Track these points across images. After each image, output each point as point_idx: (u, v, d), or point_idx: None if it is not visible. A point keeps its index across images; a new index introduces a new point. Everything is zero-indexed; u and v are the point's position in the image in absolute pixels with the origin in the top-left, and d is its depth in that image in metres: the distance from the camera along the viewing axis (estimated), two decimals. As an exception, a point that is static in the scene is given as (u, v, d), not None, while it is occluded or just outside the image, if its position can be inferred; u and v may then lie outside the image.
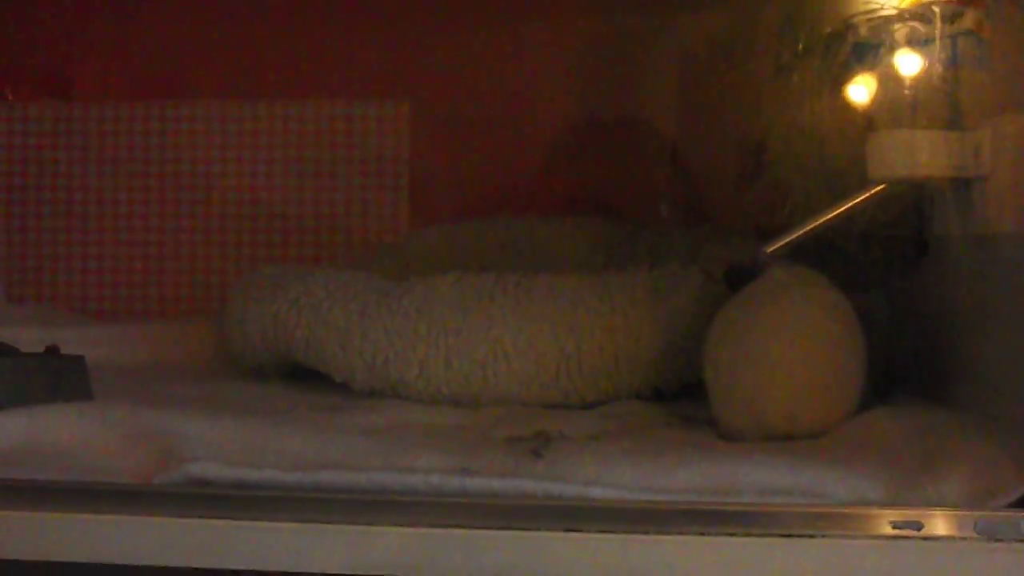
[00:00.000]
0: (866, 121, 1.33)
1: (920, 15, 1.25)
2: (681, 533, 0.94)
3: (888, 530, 0.93)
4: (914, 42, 1.26)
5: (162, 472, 1.02)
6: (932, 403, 1.30)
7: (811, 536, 0.93)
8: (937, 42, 1.23)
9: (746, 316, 1.23)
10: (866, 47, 1.34)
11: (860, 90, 1.38)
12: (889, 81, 1.27)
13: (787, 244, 1.29)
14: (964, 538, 0.92)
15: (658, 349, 1.43)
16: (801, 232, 1.28)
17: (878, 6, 1.31)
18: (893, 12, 1.28)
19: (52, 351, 1.32)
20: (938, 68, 1.24)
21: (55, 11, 2.24)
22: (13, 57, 2.29)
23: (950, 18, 1.23)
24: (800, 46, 1.48)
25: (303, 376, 1.59)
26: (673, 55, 2.17)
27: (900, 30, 1.27)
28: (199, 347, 1.85)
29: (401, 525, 0.96)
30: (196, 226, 2.22)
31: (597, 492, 0.98)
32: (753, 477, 1.00)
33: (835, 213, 1.27)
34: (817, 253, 1.42)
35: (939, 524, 0.93)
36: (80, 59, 2.29)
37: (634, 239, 1.92)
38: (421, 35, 2.18)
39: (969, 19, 1.20)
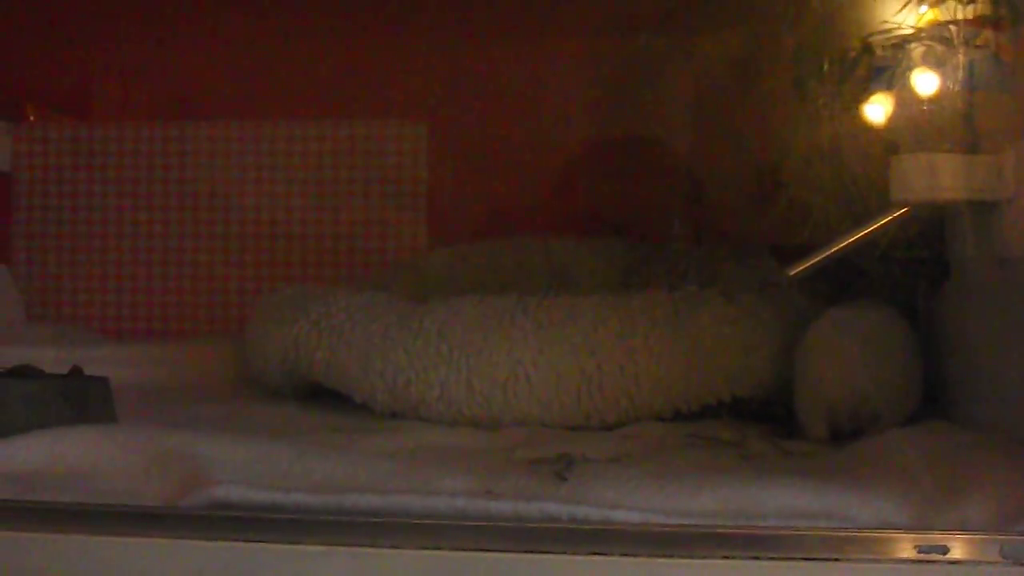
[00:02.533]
0: (887, 144, 1.33)
1: (938, 35, 1.25)
2: (705, 557, 0.94)
3: (913, 554, 0.93)
4: (932, 63, 1.26)
5: (187, 495, 1.02)
6: (955, 425, 1.30)
7: (836, 560, 0.93)
8: (957, 63, 1.23)
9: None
10: (884, 68, 1.34)
11: (878, 111, 1.38)
12: (908, 103, 1.27)
13: (810, 267, 1.29)
14: (990, 562, 0.92)
15: (678, 370, 1.44)
16: (824, 255, 1.28)
17: (896, 25, 1.31)
18: (911, 31, 1.28)
19: (76, 373, 1.32)
20: (957, 89, 1.23)
21: (75, 33, 2.25)
22: (34, 78, 2.30)
23: (968, 39, 1.23)
24: (818, 67, 1.48)
25: (322, 397, 1.59)
26: (690, 76, 2.17)
27: (917, 50, 1.26)
28: (220, 367, 1.85)
29: (426, 548, 0.96)
30: (216, 246, 2.23)
31: (621, 515, 0.98)
32: (777, 500, 0.99)
33: (858, 236, 1.27)
34: (838, 274, 1.42)
35: (964, 548, 0.93)
36: (100, 80, 2.30)
37: (651, 259, 1.93)
38: (440, 56, 2.18)
39: (988, 40, 1.20)
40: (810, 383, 1.36)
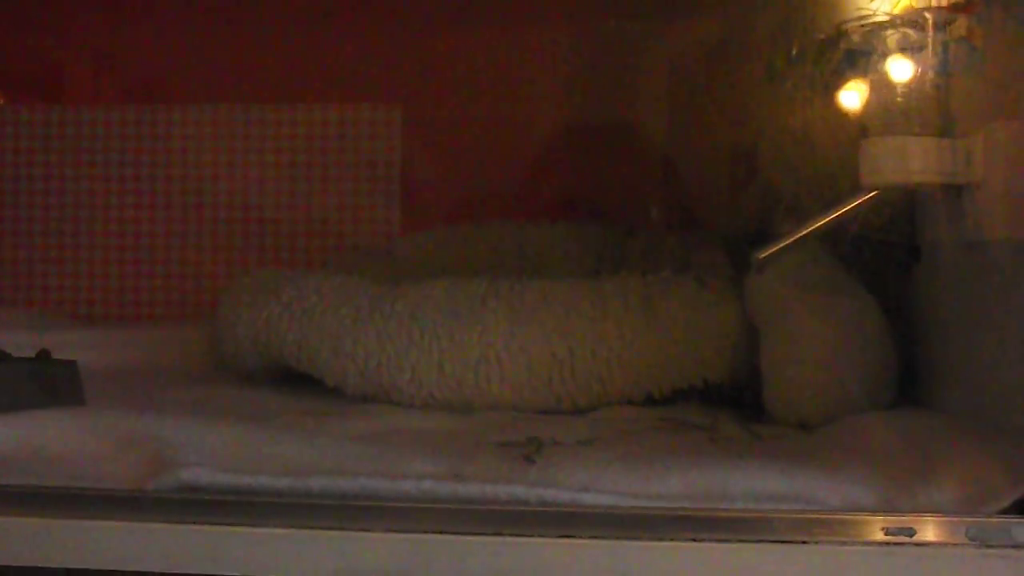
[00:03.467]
0: (858, 127, 1.33)
1: (912, 21, 1.25)
2: (674, 539, 0.94)
3: (880, 536, 0.93)
4: (906, 48, 1.26)
5: (155, 478, 1.02)
6: (924, 408, 1.31)
7: (803, 542, 0.93)
8: (929, 49, 1.24)
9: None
10: (858, 53, 1.34)
11: (852, 96, 1.38)
12: (881, 87, 1.27)
13: (779, 250, 1.29)
14: (956, 544, 0.92)
15: (650, 354, 1.44)
16: (793, 238, 1.28)
17: (870, 12, 1.31)
18: (885, 18, 1.28)
19: (44, 356, 1.31)
20: (930, 75, 1.24)
21: (46, 15, 2.24)
22: (4, 61, 2.28)
23: (942, 25, 1.23)
24: (792, 52, 1.48)
25: (295, 380, 1.59)
26: (665, 60, 2.17)
27: (892, 36, 1.27)
28: (191, 351, 1.84)
29: (393, 531, 0.96)
30: (188, 230, 2.22)
31: (590, 498, 0.98)
32: (745, 483, 1.00)
33: (827, 219, 1.27)
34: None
35: (931, 530, 0.93)
36: (71, 63, 2.29)
37: (626, 244, 1.92)
38: (413, 39, 2.18)
39: (961, 26, 1.21)
40: (782, 370, 1.36)
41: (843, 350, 1.32)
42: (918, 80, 1.24)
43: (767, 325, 1.37)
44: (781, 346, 1.34)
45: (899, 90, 1.24)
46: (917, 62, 1.24)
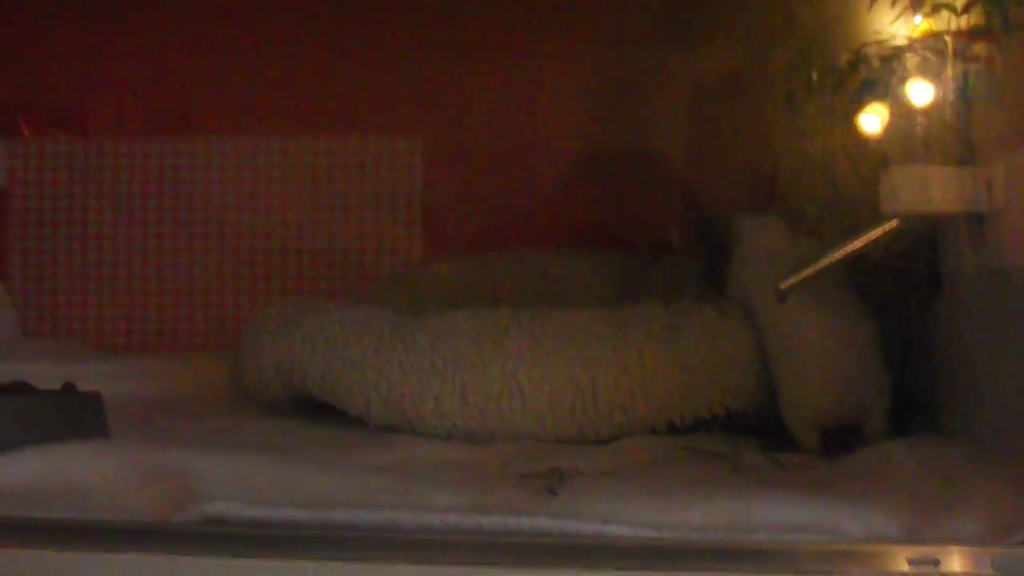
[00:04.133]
0: (878, 155, 1.33)
1: (931, 46, 1.25)
2: (697, 571, 0.94)
3: (904, 567, 0.93)
4: (927, 74, 1.26)
5: (179, 511, 1.02)
6: (948, 436, 1.30)
7: (828, 573, 0.93)
8: (948, 74, 1.23)
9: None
10: (877, 78, 1.34)
11: (872, 121, 1.38)
12: (901, 114, 1.27)
13: (801, 279, 1.29)
14: (981, 575, 0.92)
15: (672, 384, 1.44)
16: (815, 267, 1.28)
17: (889, 36, 1.31)
18: (904, 42, 1.28)
19: (69, 388, 1.32)
20: (950, 102, 1.24)
21: (69, 48, 2.25)
22: (28, 93, 2.30)
23: (962, 53, 1.23)
24: (812, 77, 1.48)
25: (317, 410, 1.59)
26: (685, 88, 2.18)
27: (911, 60, 1.27)
28: (214, 381, 1.85)
29: (417, 563, 0.96)
30: (211, 260, 2.23)
31: (612, 530, 0.98)
32: (768, 513, 1.00)
33: (848, 249, 1.27)
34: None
35: (956, 561, 0.93)
36: (94, 95, 2.30)
37: (647, 272, 1.93)
38: (432, 70, 2.19)
39: (981, 54, 1.21)
40: (798, 389, 1.37)
41: (841, 361, 1.36)
42: (938, 108, 1.24)
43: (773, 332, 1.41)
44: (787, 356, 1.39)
45: (919, 117, 1.24)
46: (937, 87, 1.24)
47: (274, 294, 2.17)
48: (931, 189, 1.19)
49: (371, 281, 2.16)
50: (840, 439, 1.36)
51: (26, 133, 2.28)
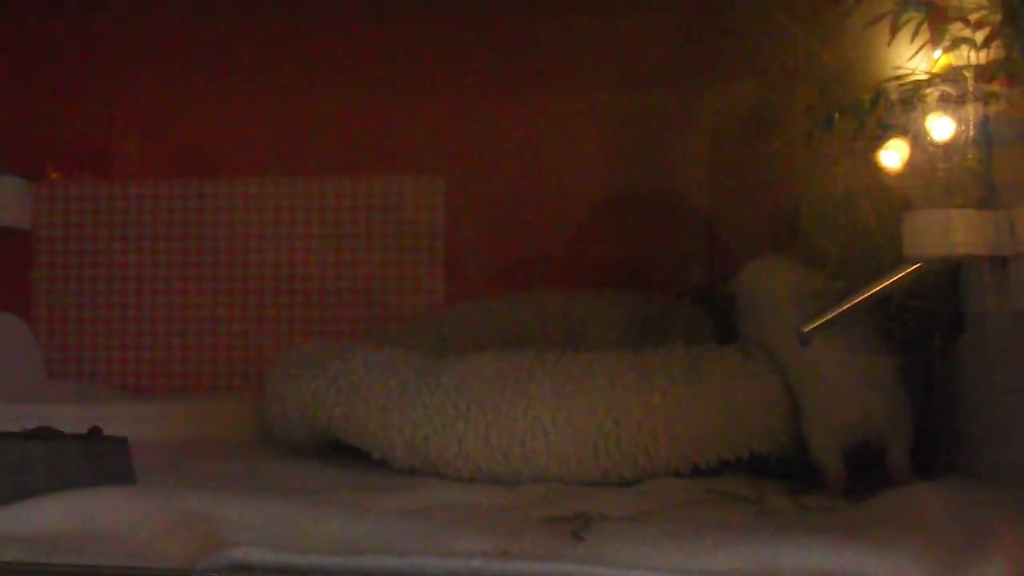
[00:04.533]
0: (899, 196, 1.34)
1: (953, 81, 1.26)
2: (723, 616, 0.94)
3: (931, 612, 0.93)
4: (945, 111, 1.26)
5: (205, 557, 1.02)
6: (973, 479, 1.30)
7: (854, 619, 0.93)
8: (970, 112, 1.24)
9: None
10: (897, 115, 1.35)
11: (893, 159, 1.38)
12: (922, 153, 1.27)
13: (825, 323, 1.29)
14: (1007, 620, 0.92)
15: (696, 426, 1.44)
16: (838, 310, 1.29)
17: (909, 71, 1.32)
18: (924, 77, 1.29)
19: (94, 433, 1.32)
20: (971, 143, 1.24)
21: (94, 92, 2.27)
22: (53, 136, 2.32)
23: (982, 97, 1.24)
24: (834, 115, 1.49)
25: (341, 452, 1.59)
26: (705, 126, 2.18)
27: (932, 95, 1.27)
28: (238, 423, 1.86)
29: (443, 609, 0.96)
30: (234, 302, 2.24)
31: (638, 575, 0.97)
32: (795, 558, 0.99)
33: (871, 291, 1.27)
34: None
35: (982, 606, 0.92)
36: (119, 138, 2.32)
37: (670, 313, 1.93)
38: (455, 111, 2.20)
39: (1002, 99, 1.21)
40: (821, 418, 1.39)
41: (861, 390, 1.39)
42: (959, 149, 1.24)
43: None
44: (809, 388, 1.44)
45: (940, 158, 1.24)
46: (957, 124, 1.24)
47: (297, 335, 2.18)
48: (954, 232, 1.19)
49: (394, 322, 2.16)
50: (865, 472, 1.37)
51: (52, 176, 2.30)
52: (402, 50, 2.21)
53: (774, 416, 1.44)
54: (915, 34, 1.32)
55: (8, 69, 2.25)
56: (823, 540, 1.02)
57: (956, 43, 1.27)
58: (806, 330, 1.29)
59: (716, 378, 1.45)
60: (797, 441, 1.42)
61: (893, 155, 1.37)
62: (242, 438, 1.81)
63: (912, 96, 1.30)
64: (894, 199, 1.36)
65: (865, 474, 1.38)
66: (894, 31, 1.34)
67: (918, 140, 1.29)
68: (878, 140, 1.39)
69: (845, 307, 1.28)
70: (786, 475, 1.42)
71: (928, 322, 1.39)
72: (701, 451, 1.44)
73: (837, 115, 1.48)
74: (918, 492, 1.22)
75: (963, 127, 1.24)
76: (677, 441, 1.43)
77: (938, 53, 1.30)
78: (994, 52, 1.24)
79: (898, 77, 1.34)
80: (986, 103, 1.21)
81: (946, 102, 1.25)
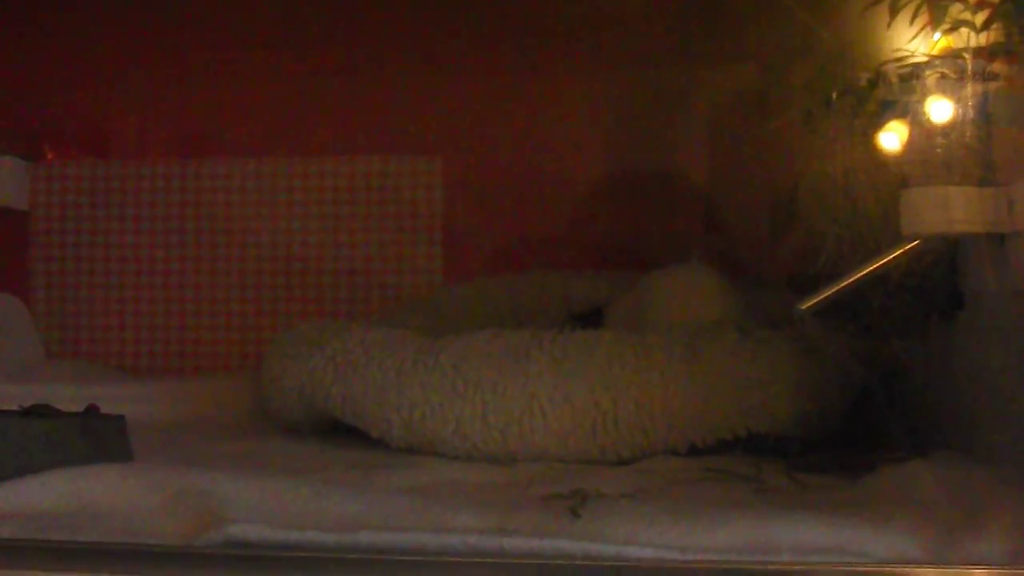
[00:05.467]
0: (898, 175, 1.33)
1: (952, 63, 1.26)
2: (720, 592, 0.94)
3: (929, 589, 0.93)
4: (946, 91, 1.26)
5: (203, 533, 1.02)
6: (970, 457, 1.30)
7: (851, 595, 0.93)
8: (968, 92, 1.23)
9: None
10: (897, 95, 1.34)
11: (891, 140, 1.38)
12: (920, 133, 1.27)
13: (821, 301, 1.29)
14: (1005, 597, 0.92)
15: (694, 405, 1.44)
16: (835, 289, 1.28)
17: (908, 53, 1.32)
18: (924, 59, 1.29)
19: (92, 411, 1.33)
20: (969, 122, 1.24)
21: (91, 72, 2.27)
22: (51, 116, 2.31)
23: (983, 68, 1.23)
24: (831, 96, 1.49)
25: (339, 431, 1.60)
26: (704, 109, 2.18)
27: (930, 76, 1.27)
28: (236, 403, 1.86)
29: (440, 585, 0.96)
30: (232, 282, 2.24)
31: (635, 552, 0.98)
32: (792, 535, 0.99)
33: (869, 269, 1.27)
34: (850, 304, 1.42)
35: (980, 582, 0.93)
36: (116, 118, 2.32)
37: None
38: (453, 92, 2.20)
39: (1002, 75, 1.21)
40: None
41: None
42: (958, 128, 1.24)
43: None
44: None
45: (939, 136, 1.24)
46: (956, 105, 1.24)
47: (295, 315, 2.18)
48: (952, 210, 1.19)
49: (393, 302, 2.16)
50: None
51: (49, 156, 2.30)
52: (400, 30, 2.21)
53: (771, 395, 1.44)
54: (914, 16, 1.31)
55: (6, 50, 2.25)
56: (820, 518, 1.02)
57: (956, 25, 1.26)
58: (803, 307, 1.29)
59: (714, 357, 1.45)
60: (794, 419, 1.42)
61: (891, 134, 1.37)
62: (240, 417, 1.81)
63: (911, 77, 1.29)
64: (892, 178, 1.36)
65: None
66: (894, 13, 1.33)
67: (916, 119, 1.28)
68: (877, 119, 1.39)
69: (843, 285, 1.28)
70: (783, 453, 1.42)
71: (925, 300, 1.39)
72: (699, 430, 1.44)
73: (835, 95, 1.48)
74: (916, 470, 1.22)
75: (962, 106, 1.24)
76: (675, 419, 1.43)
77: (937, 35, 1.30)
78: (994, 34, 1.23)
79: (897, 59, 1.33)
80: (985, 81, 1.21)
81: (945, 84, 1.25)
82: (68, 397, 1.50)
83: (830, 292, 1.29)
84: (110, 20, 2.25)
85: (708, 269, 1.72)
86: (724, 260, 2.13)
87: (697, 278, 1.68)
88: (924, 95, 1.26)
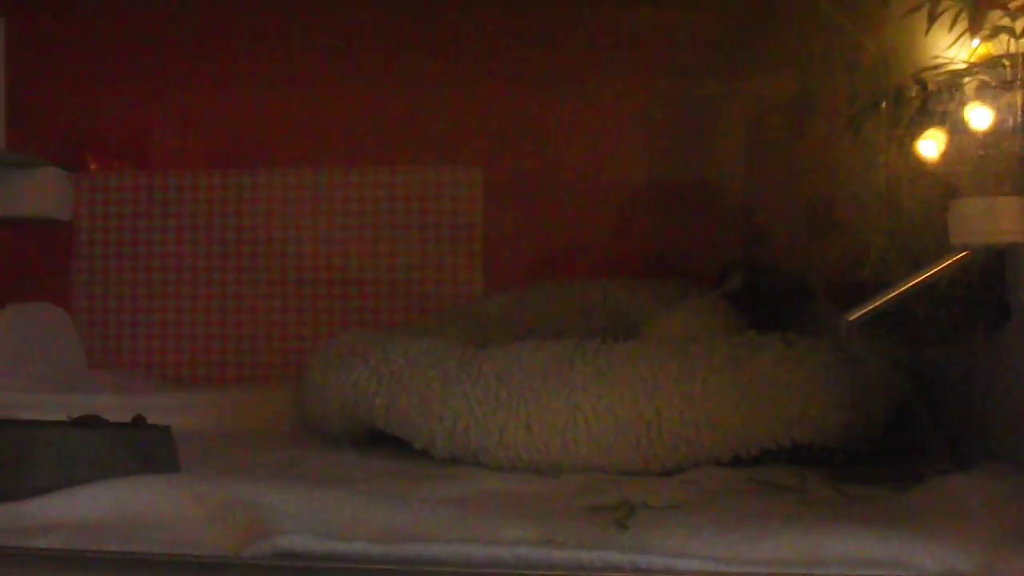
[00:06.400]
0: (943, 183, 1.33)
1: (992, 70, 1.25)
2: (769, 605, 0.94)
3: (980, 602, 0.92)
4: (986, 98, 1.25)
5: (250, 545, 1.03)
6: (1017, 469, 1.29)
7: (902, 608, 0.92)
8: (1015, 99, 1.23)
9: None
10: (935, 105, 1.34)
11: (933, 149, 1.37)
12: (964, 143, 1.26)
13: (869, 311, 1.28)
14: (1057, 611, 0.91)
15: (738, 415, 1.43)
16: (883, 299, 1.28)
17: (947, 60, 1.31)
18: (963, 66, 1.28)
19: (139, 422, 1.33)
20: (1015, 130, 1.23)
21: (134, 82, 2.28)
22: (93, 127, 2.33)
23: (1022, 82, 1.23)
24: (874, 106, 1.48)
25: (381, 442, 1.60)
26: (743, 117, 2.17)
27: (970, 84, 1.26)
28: (280, 413, 1.86)
29: (488, 597, 0.96)
30: (274, 292, 2.25)
31: (683, 564, 0.97)
32: (839, 548, 0.99)
33: (917, 280, 1.26)
34: (895, 314, 1.42)
35: (1032, 596, 0.92)
36: (159, 128, 2.33)
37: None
38: (494, 102, 2.20)
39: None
40: None
41: None
42: (1002, 135, 1.23)
43: None
44: None
45: (982, 146, 1.23)
46: (997, 112, 1.23)
47: (336, 325, 2.18)
48: (1000, 220, 1.18)
49: (433, 312, 2.17)
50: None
51: (92, 166, 2.31)
52: (441, 40, 2.22)
53: (815, 404, 1.43)
54: (954, 22, 1.31)
55: (48, 60, 2.26)
56: (869, 530, 1.02)
57: (996, 31, 1.26)
58: (851, 318, 1.28)
59: (757, 367, 1.45)
60: (839, 430, 1.42)
61: (936, 144, 1.36)
62: (282, 428, 1.82)
63: (954, 84, 1.29)
64: (936, 187, 1.35)
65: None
66: (932, 19, 1.33)
67: (958, 127, 1.27)
68: (921, 128, 1.38)
69: (890, 296, 1.27)
70: (828, 463, 1.42)
71: (972, 310, 1.38)
72: (743, 440, 1.43)
73: (884, 103, 1.47)
74: (962, 481, 1.21)
75: (1007, 115, 1.23)
76: (718, 430, 1.43)
77: (976, 42, 1.29)
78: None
79: (936, 66, 1.32)
80: (1025, 87, 1.20)
81: (985, 90, 1.24)
82: (112, 407, 1.51)
83: (878, 303, 1.28)
84: (152, 29, 2.27)
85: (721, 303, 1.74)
86: (767, 269, 2.12)
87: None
88: (965, 103, 1.25)
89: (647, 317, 1.85)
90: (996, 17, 1.26)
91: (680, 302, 1.82)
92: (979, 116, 1.23)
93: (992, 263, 1.34)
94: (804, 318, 1.70)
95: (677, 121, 2.20)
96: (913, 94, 1.38)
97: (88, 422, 1.29)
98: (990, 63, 1.25)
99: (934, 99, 1.33)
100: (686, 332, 1.65)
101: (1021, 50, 1.23)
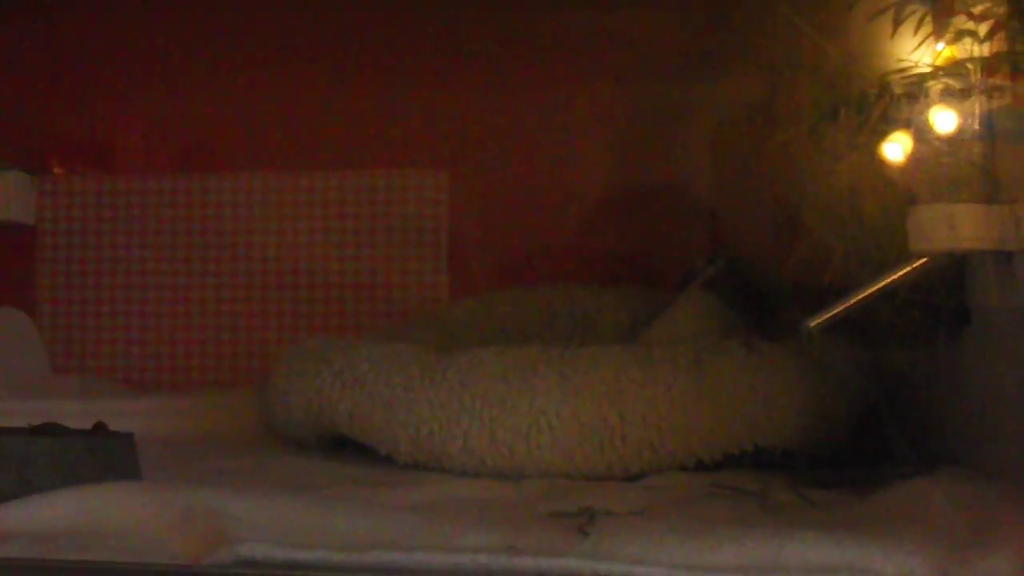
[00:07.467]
0: (904, 190, 1.33)
1: (956, 74, 1.26)
2: (729, 612, 0.94)
3: (938, 608, 0.93)
4: (948, 104, 1.26)
5: (212, 553, 1.02)
6: (977, 474, 1.29)
7: (860, 614, 0.93)
8: (973, 107, 1.23)
9: None
10: (901, 106, 1.34)
11: (896, 152, 1.38)
12: (926, 147, 1.27)
13: (830, 318, 1.29)
14: (1014, 616, 0.92)
15: (701, 420, 1.44)
16: (844, 306, 1.28)
17: (912, 63, 1.32)
18: (928, 70, 1.29)
19: (100, 428, 1.33)
20: (975, 139, 1.24)
21: (97, 86, 2.27)
22: (56, 131, 2.32)
23: (985, 83, 1.23)
24: (833, 113, 1.49)
25: (346, 448, 1.59)
26: (709, 121, 2.18)
27: (935, 87, 1.27)
28: (242, 418, 1.86)
29: (449, 604, 0.96)
30: (238, 296, 2.24)
31: (643, 571, 0.97)
32: (799, 554, 0.99)
33: (878, 287, 1.27)
34: (857, 319, 1.42)
35: (989, 601, 0.92)
36: (122, 132, 2.32)
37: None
38: (459, 105, 2.20)
39: (1007, 92, 1.21)
40: None
41: None
42: (965, 145, 1.24)
43: None
44: None
45: (944, 154, 1.24)
46: (961, 117, 1.24)
47: (301, 331, 2.18)
48: (959, 228, 1.19)
49: (398, 317, 2.16)
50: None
51: (55, 170, 2.30)
52: (405, 43, 2.22)
53: (778, 409, 1.44)
54: (918, 27, 1.31)
55: (10, 63, 2.25)
56: (828, 535, 1.02)
57: (959, 36, 1.26)
58: (812, 325, 1.29)
59: (720, 371, 1.45)
60: (802, 434, 1.42)
61: (897, 149, 1.37)
62: (246, 433, 1.81)
63: (916, 89, 1.29)
64: (899, 193, 1.36)
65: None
66: (897, 24, 1.33)
67: (923, 134, 1.28)
68: (882, 134, 1.39)
69: (851, 303, 1.28)
70: (791, 468, 1.42)
71: (933, 316, 1.39)
72: (706, 445, 1.44)
73: (843, 109, 1.48)
74: (922, 485, 1.22)
75: (968, 121, 1.24)
76: (682, 435, 1.43)
77: (941, 46, 1.30)
78: (997, 45, 1.23)
79: (901, 70, 1.33)
80: (990, 97, 1.21)
81: (949, 95, 1.25)
82: (74, 412, 1.50)
83: (838, 309, 1.29)
84: (116, 33, 2.26)
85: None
86: (730, 273, 2.13)
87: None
88: (929, 107, 1.26)
89: (638, 324, 1.86)
90: (960, 21, 1.26)
91: (672, 304, 1.80)
92: (943, 119, 1.24)
93: (952, 269, 1.35)
94: (768, 322, 1.70)
95: (643, 126, 2.21)
96: (874, 99, 1.39)
97: (48, 429, 1.28)
98: (954, 67, 1.26)
99: (896, 105, 1.33)
100: (689, 333, 1.65)
101: (984, 54, 1.23)
